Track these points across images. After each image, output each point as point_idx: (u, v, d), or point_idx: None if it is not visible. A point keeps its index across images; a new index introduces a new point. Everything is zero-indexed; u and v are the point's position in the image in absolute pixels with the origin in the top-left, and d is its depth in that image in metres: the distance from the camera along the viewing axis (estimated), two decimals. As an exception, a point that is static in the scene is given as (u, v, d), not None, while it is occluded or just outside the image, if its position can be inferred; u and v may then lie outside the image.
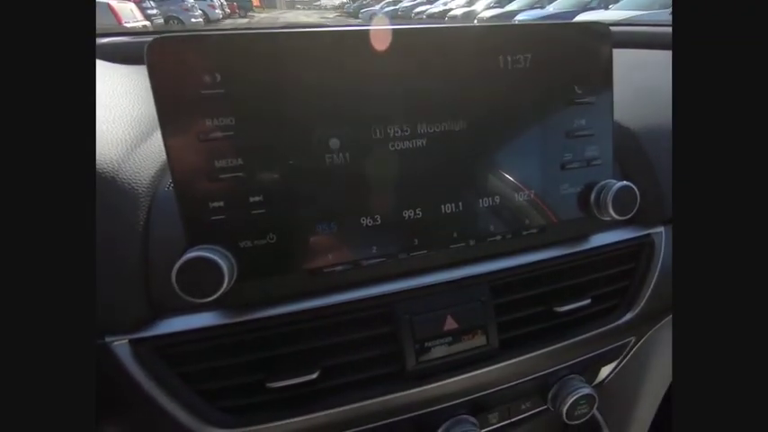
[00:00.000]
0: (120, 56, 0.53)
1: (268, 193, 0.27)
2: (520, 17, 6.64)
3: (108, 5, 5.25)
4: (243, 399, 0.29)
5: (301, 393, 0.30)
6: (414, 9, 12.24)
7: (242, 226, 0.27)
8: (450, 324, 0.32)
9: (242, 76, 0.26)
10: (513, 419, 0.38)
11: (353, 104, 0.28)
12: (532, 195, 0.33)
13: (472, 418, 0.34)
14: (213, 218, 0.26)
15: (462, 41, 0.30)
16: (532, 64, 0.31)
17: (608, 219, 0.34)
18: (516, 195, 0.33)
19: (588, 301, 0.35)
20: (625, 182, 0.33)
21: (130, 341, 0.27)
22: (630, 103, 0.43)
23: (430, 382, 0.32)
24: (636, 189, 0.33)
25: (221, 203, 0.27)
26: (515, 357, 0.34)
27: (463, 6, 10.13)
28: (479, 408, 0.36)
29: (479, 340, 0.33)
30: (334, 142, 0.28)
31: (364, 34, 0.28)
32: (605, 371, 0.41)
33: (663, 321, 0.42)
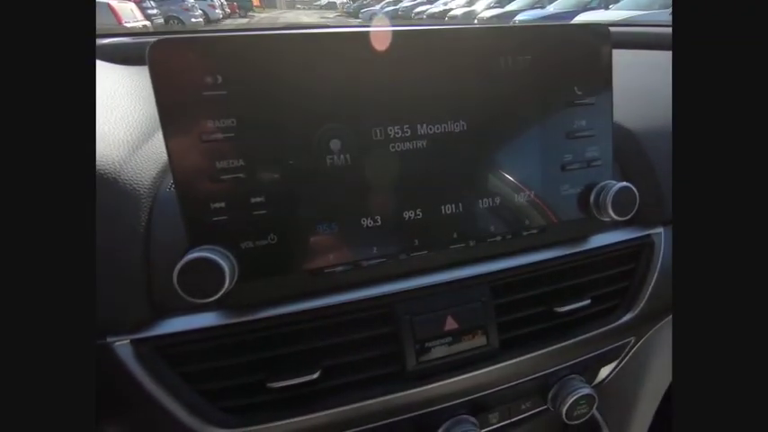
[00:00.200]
0: (121, 57, 0.53)
1: (269, 193, 0.27)
2: (520, 17, 6.63)
3: (108, 5, 5.25)
4: (244, 399, 0.29)
5: (302, 393, 0.30)
6: (414, 9, 12.24)
7: (243, 227, 0.27)
8: (451, 324, 0.32)
9: (243, 77, 0.26)
10: (513, 419, 0.38)
11: (354, 106, 0.28)
12: (532, 196, 0.33)
13: (472, 418, 0.34)
14: (215, 219, 0.27)
15: (462, 43, 0.30)
16: (532, 65, 0.31)
17: (608, 220, 0.35)
18: (516, 196, 0.33)
19: (588, 301, 0.35)
20: (625, 183, 0.33)
21: (132, 341, 0.27)
22: (630, 104, 0.43)
23: (430, 383, 0.32)
24: (635, 190, 0.34)
25: (222, 204, 0.27)
26: (516, 357, 0.34)
27: (463, 6, 10.13)
28: (479, 408, 0.36)
29: (480, 340, 0.33)
30: (335, 143, 0.28)
31: (365, 35, 0.28)
32: (605, 371, 0.41)
33: (663, 322, 0.42)
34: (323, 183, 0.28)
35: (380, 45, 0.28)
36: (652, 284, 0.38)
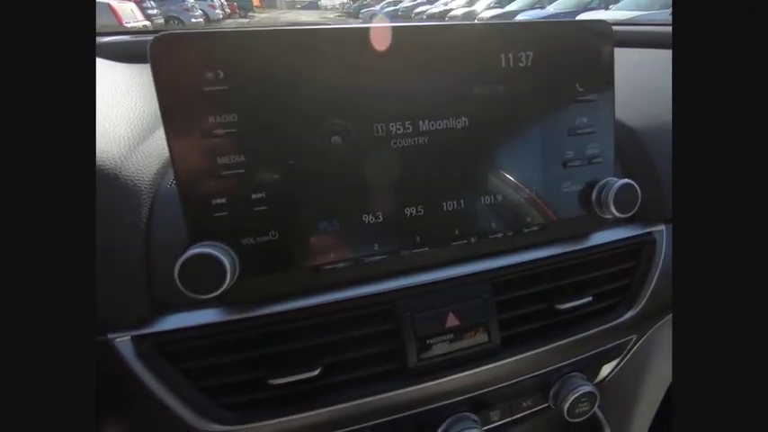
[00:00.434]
0: (123, 54, 0.53)
1: (270, 190, 0.27)
2: (520, 17, 6.64)
3: (108, 5, 5.25)
4: (244, 395, 0.29)
5: (302, 390, 0.30)
6: (414, 9, 12.25)
7: (244, 223, 0.27)
8: (452, 321, 0.32)
9: (245, 73, 0.26)
10: (514, 417, 0.38)
11: (355, 102, 0.28)
12: (534, 193, 0.33)
13: (473, 416, 0.34)
14: (216, 215, 0.26)
15: (464, 39, 0.30)
16: (534, 62, 0.31)
17: (609, 217, 0.35)
18: (518, 193, 0.33)
19: (589, 298, 0.35)
20: (627, 180, 0.33)
21: (132, 338, 0.27)
22: (632, 102, 0.43)
23: (431, 380, 0.32)
24: (637, 187, 0.33)
25: (223, 200, 0.27)
26: (517, 355, 0.34)
27: (463, 6, 10.14)
28: (481, 405, 0.36)
29: (481, 337, 0.33)
30: (336, 139, 0.28)
31: (366, 32, 0.28)
32: (606, 369, 0.41)
33: (664, 320, 0.42)
34: (324, 179, 0.28)
35: (382, 42, 0.28)
36: (653, 282, 0.38)
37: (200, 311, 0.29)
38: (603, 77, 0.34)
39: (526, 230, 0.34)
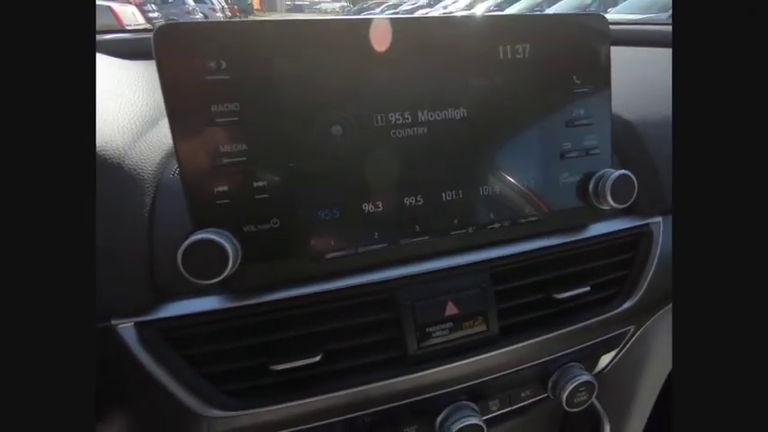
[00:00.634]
0: (127, 51, 0.54)
1: (271, 178, 0.28)
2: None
3: (109, 8, 5.28)
4: (246, 382, 0.29)
5: (303, 377, 0.30)
6: (414, 12, 12.32)
7: (246, 210, 0.27)
8: (451, 310, 0.32)
9: (246, 63, 0.26)
10: (513, 407, 0.38)
11: (355, 92, 0.28)
12: (532, 184, 0.34)
13: (473, 404, 0.35)
14: (218, 202, 0.27)
15: (463, 32, 0.30)
16: (531, 54, 0.32)
17: (607, 208, 0.35)
18: (516, 184, 0.33)
19: (587, 288, 0.36)
20: (623, 171, 0.34)
21: (136, 324, 0.28)
22: (629, 97, 0.43)
23: (431, 368, 0.32)
24: (634, 178, 0.34)
25: (226, 188, 0.27)
26: (515, 344, 0.34)
27: (463, 10, 10.21)
28: (480, 394, 0.36)
29: (480, 326, 0.33)
30: (337, 129, 0.28)
31: (367, 24, 0.28)
32: (605, 359, 0.41)
33: (662, 311, 0.42)
34: (324, 168, 0.29)
35: (382, 33, 0.29)
36: (651, 273, 0.38)
37: (203, 299, 0.29)
38: (600, 70, 0.34)
39: (524, 221, 0.34)
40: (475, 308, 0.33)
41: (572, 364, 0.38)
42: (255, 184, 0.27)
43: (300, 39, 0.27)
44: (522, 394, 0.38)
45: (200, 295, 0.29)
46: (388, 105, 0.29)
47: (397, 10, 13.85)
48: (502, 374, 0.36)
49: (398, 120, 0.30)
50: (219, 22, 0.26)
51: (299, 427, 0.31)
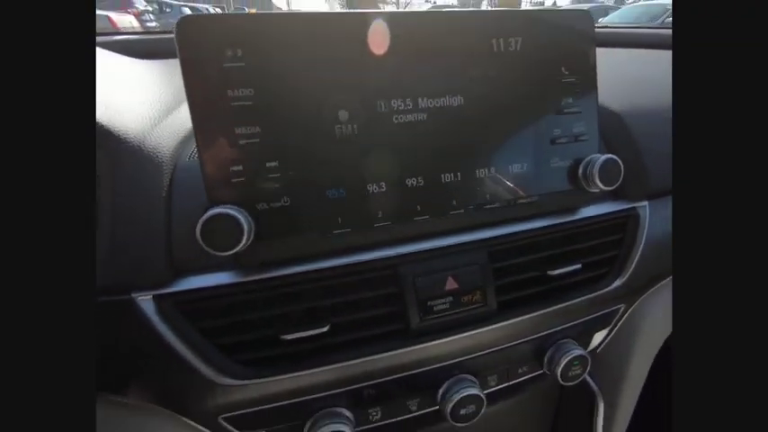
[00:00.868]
0: (140, 51, 0.57)
1: (283, 158, 0.30)
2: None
3: (108, 17, 5.33)
4: (258, 352, 0.31)
5: (311, 348, 0.32)
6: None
7: (259, 189, 0.29)
8: (451, 285, 0.34)
9: (261, 51, 0.28)
10: (511, 382, 0.40)
11: (360, 80, 0.31)
12: (525, 167, 0.36)
13: (472, 377, 0.36)
14: (233, 180, 0.29)
15: (460, 25, 0.33)
16: (522, 46, 0.34)
17: (596, 191, 0.37)
18: (510, 167, 0.35)
19: (579, 266, 0.38)
20: (610, 155, 0.36)
21: (154, 297, 0.29)
22: (615, 91, 0.46)
23: (432, 340, 0.34)
24: (620, 162, 0.36)
25: (240, 167, 0.29)
26: (512, 318, 0.36)
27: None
28: (479, 370, 0.38)
29: (478, 301, 0.35)
30: (343, 114, 0.31)
31: (372, 17, 0.30)
32: (598, 337, 0.43)
33: (650, 291, 0.44)
34: (332, 150, 0.31)
35: (385, 26, 0.31)
36: (639, 254, 0.41)
37: (217, 274, 0.31)
38: (586, 61, 0.37)
39: (519, 202, 0.36)
40: (474, 283, 0.35)
41: (566, 340, 0.39)
42: (268, 164, 0.29)
43: (309, 30, 0.29)
44: (520, 370, 0.40)
45: (214, 271, 0.31)
46: (390, 92, 0.31)
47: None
48: (499, 349, 0.37)
49: (400, 106, 0.32)
50: (236, 14, 0.28)
51: (307, 397, 0.33)
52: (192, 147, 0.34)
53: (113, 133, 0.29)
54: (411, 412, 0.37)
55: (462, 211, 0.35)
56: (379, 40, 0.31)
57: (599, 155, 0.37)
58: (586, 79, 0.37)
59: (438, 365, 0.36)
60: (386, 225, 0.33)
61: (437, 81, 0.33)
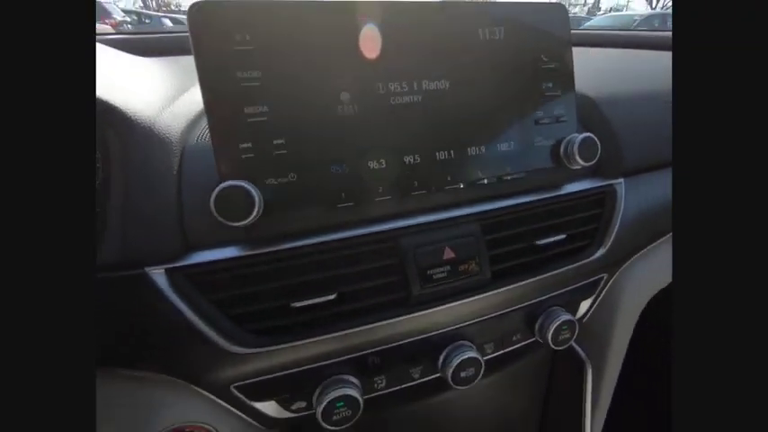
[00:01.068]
0: (140, 49, 0.58)
1: (289, 136, 0.32)
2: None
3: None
4: (268, 322, 0.32)
5: (319, 317, 0.33)
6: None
7: (267, 165, 0.31)
8: (449, 255, 0.36)
9: (267, 36, 0.30)
10: (506, 350, 0.42)
11: (360, 64, 0.33)
12: (512, 146, 0.39)
13: (470, 344, 0.38)
14: (243, 156, 0.31)
15: (451, 15, 0.36)
16: (506, 35, 0.38)
17: (577, 167, 0.41)
18: (499, 146, 0.38)
19: (563, 236, 0.41)
20: (588, 133, 0.40)
21: (167, 270, 0.30)
22: (588, 81, 0.50)
23: (432, 307, 0.36)
24: (597, 139, 0.40)
25: (249, 144, 0.31)
26: (505, 286, 0.39)
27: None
28: (476, 337, 0.40)
29: (474, 270, 0.37)
30: (345, 95, 0.33)
31: (371, 6, 0.33)
32: (584, 306, 0.46)
33: (629, 262, 0.48)
34: (334, 129, 0.33)
35: (383, 15, 0.34)
36: (617, 226, 0.44)
37: (227, 248, 0.32)
38: (563, 49, 0.40)
39: (507, 178, 0.39)
40: (469, 253, 0.37)
41: (555, 307, 0.42)
42: (275, 142, 0.31)
43: (314, 17, 0.32)
44: (514, 338, 0.42)
45: (225, 246, 0.32)
46: (388, 76, 0.34)
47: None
48: (494, 316, 0.40)
49: (397, 88, 0.34)
50: (245, 1, 0.30)
51: (315, 365, 0.34)
52: (200, 130, 0.36)
53: (126, 115, 0.31)
54: (414, 380, 0.39)
55: (456, 186, 0.37)
56: (378, 27, 0.34)
57: (578, 134, 0.40)
58: (564, 66, 0.40)
59: (438, 333, 0.38)
60: (386, 199, 0.35)
61: (430, 66, 0.35)
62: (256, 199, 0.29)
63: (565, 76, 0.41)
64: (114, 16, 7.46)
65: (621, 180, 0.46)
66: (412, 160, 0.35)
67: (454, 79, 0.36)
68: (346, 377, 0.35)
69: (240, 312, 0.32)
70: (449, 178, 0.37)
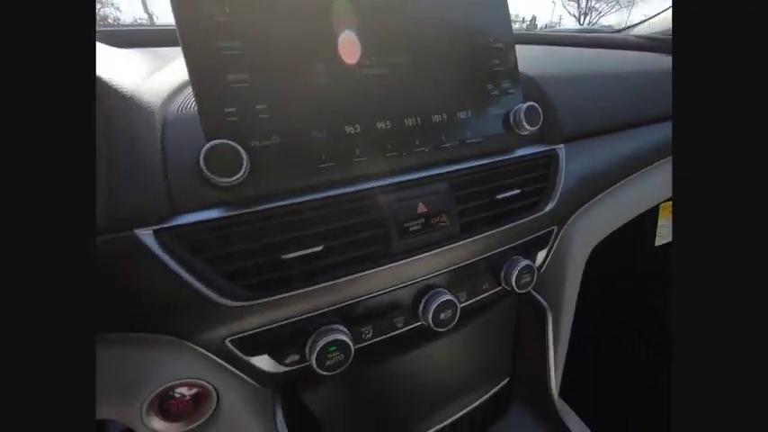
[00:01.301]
0: (119, 40, 0.57)
1: (271, 102, 0.34)
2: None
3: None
4: (259, 276, 0.34)
5: (308, 269, 0.36)
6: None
7: (251, 127, 0.33)
8: (422, 209, 0.41)
9: (247, 8, 0.33)
10: (477, 298, 0.47)
11: (333, 37, 0.36)
12: (470, 114, 0.44)
13: (446, 291, 0.43)
14: (228, 119, 0.33)
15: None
16: (460, 18, 0.43)
17: (525, 133, 0.47)
18: (459, 114, 0.43)
19: (519, 191, 0.47)
20: (531, 102, 0.46)
21: (154, 231, 0.31)
22: (530, 67, 0.58)
23: (410, 257, 0.40)
24: (538, 107, 0.46)
25: (233, 109, 0.33)
26: (472, 237, 0.43)
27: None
28: (450, 286, 0.44)
29: (444, 222, 0.42)
30: (320, 66, 0.36)
31: None
32: (540, 256, 0.52)
33: (574, 216, 0.55)
34: (313, 96, 0.36)
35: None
36: (561, 184, 0.51)
37: (215, 209, 0.34)
38: (506, 30, 0.47)
39: (468, 142, 0.44)
40: (440, 207, 0.41)
41: (516, 256, 0.48)
42: (258, 107, 0.34)
43: None
44: (483, 286, 0.47)
45: (212, 208, 0.34)
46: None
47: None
48: (465, 265, 0.45)
49: (366, 61, 0.38)
50: None
51: (306, 315, 0.36)
52: (180, 101, 0.37)
53: (108, 85, 0.32)
54: (398, 329, 0.42)
55: (424, 149, 0.42)
56: (350, 7, 0.38)
57: (523, 104, 0.46)
58: (508, 45, 0.47)
59: (416, 282, 0.42)
60: (363, 160, 0.38)
61: (397, 42, 0.40)
62: (244, 156, 0.31)
63: (510, 54, 0.47)
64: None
65: (562, 146, 0.53)
66: (384, 126, 0.39)
67: (417, 54, 0.41)
68: (336, 326, 0.38)
69: (231, 269, 0.33)
70: (417, 142, 0.41)
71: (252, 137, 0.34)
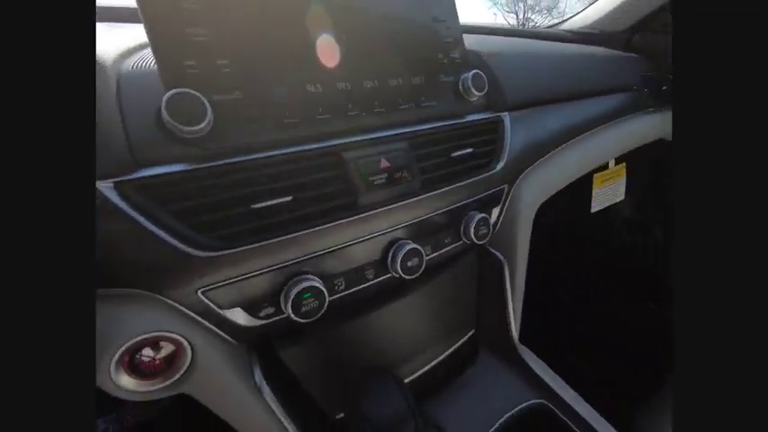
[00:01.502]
0: None
1: (232, 58, 0.35)
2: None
3: None
4: (229, 228, 0.34)
5: (276, 222, 0.37)
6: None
7: (213, 80, 0.34)
8: (385, 164, 0.43)
9: None
10: (440, 251, 0.50)
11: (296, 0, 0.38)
12: (423, 80, 0.48)
13: (411, 241, 0.45)
14: (189, 71, 0.33)
15: None
16: None
17: (474, 99, 0.51)
18: (413, 79, 0.47)
19: (471, 150, 0.51)
20: (476, 70, 0.51)
21: (115, 183, 0.31)
22: (477, 47, 0.63)
23: (375, 208, 0.42)
24: (483, 74, 0.51)
25: (193, 62, 0.33)
26: (432, 192, 0.47)
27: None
28: (415, 239, 0.47)
29: (406, 177, 0.44)
30: (281, 25, 0.38)
31: None
32: (495, 213, 0.57)
33: (522, 175, 0.61)
34: (274, 54, 0.37)
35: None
36: (509, 146, 0.56)
37: (180, 164, 0.34)
38: (450, 7, 0.51)
39: (423, 105, 0.48)
40: (401, 163, 0.44)
41: (473, 212, 0.52)
42: (219, 62, 0.34)
43: None
44: (446, 240, 0.51)
45: (177, 163, 0.34)
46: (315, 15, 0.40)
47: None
48: (427, 218, 0.48)
49: (326, 24, 0.40)
50: None
51: (278, 266, 0.37)
52: (134, 60, 0.36)
53: None
54: (369, 280, 0.44)
55: (383, 110, 0.44)
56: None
57: (469, 72, 0.51)
58: (453, 21, 0.51)
59: (383, 233, 0.44)
60: (326, 118, 0.40)
61: (353, 18, 0.42)
62: (208, 107, 0.32)
63: (454, 28, 0.51)
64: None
65: (507, 113, 0.58)
66: (344, 87, 0.42)
67: (374, 24, 0.44)
68: (309, 276, 0.39)
69: (200, 221, 0.34)
70: (376, 102, 0.44)
71: (214, 90, 0.34)
